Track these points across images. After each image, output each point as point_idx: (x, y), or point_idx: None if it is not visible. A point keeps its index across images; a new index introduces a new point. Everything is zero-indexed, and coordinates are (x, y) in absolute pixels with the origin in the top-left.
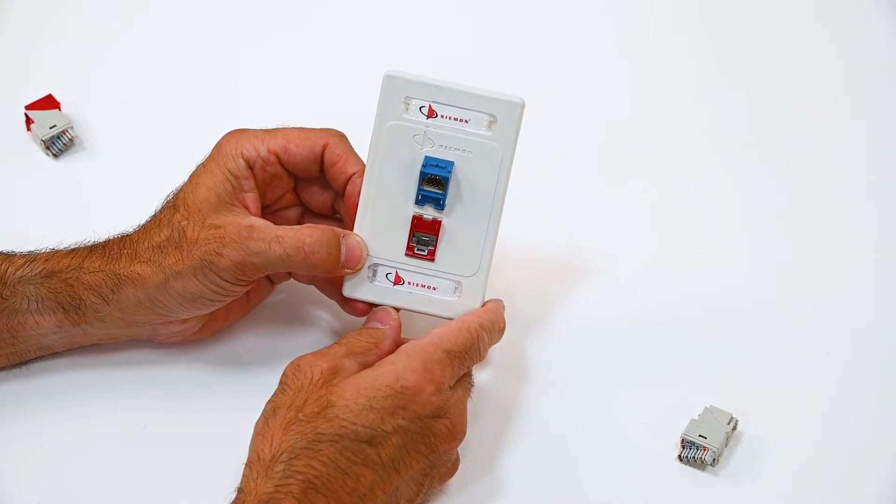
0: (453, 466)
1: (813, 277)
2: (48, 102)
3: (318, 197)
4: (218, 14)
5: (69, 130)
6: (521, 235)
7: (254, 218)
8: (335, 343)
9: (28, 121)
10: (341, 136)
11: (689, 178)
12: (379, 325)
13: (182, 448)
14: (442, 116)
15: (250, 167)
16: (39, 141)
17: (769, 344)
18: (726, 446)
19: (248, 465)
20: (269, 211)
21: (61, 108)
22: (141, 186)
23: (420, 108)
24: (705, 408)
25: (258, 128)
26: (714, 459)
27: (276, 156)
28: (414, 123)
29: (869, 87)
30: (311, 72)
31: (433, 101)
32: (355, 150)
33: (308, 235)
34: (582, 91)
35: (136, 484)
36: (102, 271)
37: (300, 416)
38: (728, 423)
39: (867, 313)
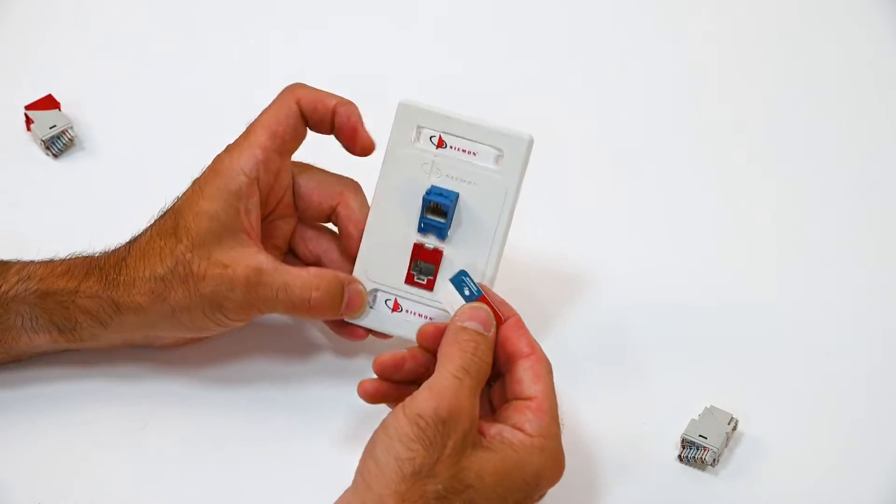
0: None
1: (813, 278)
2: (48, 102)
3: (313, 208)
4: (220, 14)
5: (69, 130)
6: (520, 237)
7: (261, 257)
8: (460, 369)
9: (28, 121)
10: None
11: (688, 181)
12: (480, 329)
13: (182, 447)
14: (451, 147)
15: (254, 178)
16: (39, 141)
17: (769, 344)
18: (726, 446)
19: None
20: (266, 221)
21: (61, 108)
22: (141, 186)
23: (430, 138)
24: (705, 408)
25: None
26: (714, 459)
27: (281, 138)
28: (423, 152)
29: (869, 88)
30: (316, 77)
31: (444, 132)
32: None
33: (315, 288)
34: (584, 109)
35: (136, 483)
36: (100, 297)
37: (441, 490)
38: (728, 423)
39: (867, 313)
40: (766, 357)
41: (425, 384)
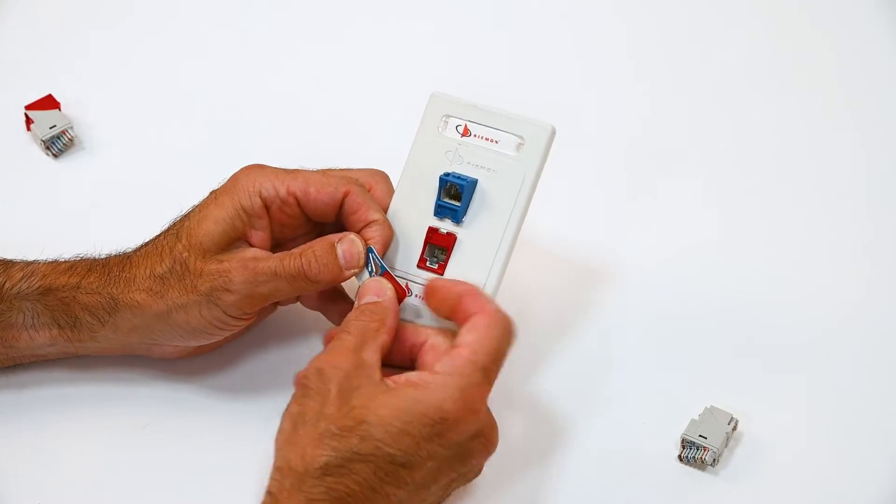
0: (480, 469)
1: (813, 278)
2: (48, 102)
3: (319, 211)
4: (221, 13)
5: (69, 130)
6: (525, 237)
7: (252, 249)
8: (342, 331)
9: (28, 121)
10: (362, 186)
11: (691, 181)
12: (375, 298)
13: (182, 447)
14: (475, 136)
15: (266, 207)
16: (39, 141)
17: (769, 344)
18: (726, 446)
19: (279, 470)
20: (283, 249)
21: (61, 108)
22: (141, 187)
23: (456, 127)
24: (705, 408)
25: (276, 166)
26: (714, 459)
27: (296, 198)
28: (448, 141)
29: (879, 90)
30: (315, 74)
31: (469, 121)
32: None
33: (300, 255)
34: (605, 106)
35: (136, 483)
36: (99, 293)
37: (333, 429)
38: (728, 423)
39: (867, 313)
40: (766, 357)
41: None
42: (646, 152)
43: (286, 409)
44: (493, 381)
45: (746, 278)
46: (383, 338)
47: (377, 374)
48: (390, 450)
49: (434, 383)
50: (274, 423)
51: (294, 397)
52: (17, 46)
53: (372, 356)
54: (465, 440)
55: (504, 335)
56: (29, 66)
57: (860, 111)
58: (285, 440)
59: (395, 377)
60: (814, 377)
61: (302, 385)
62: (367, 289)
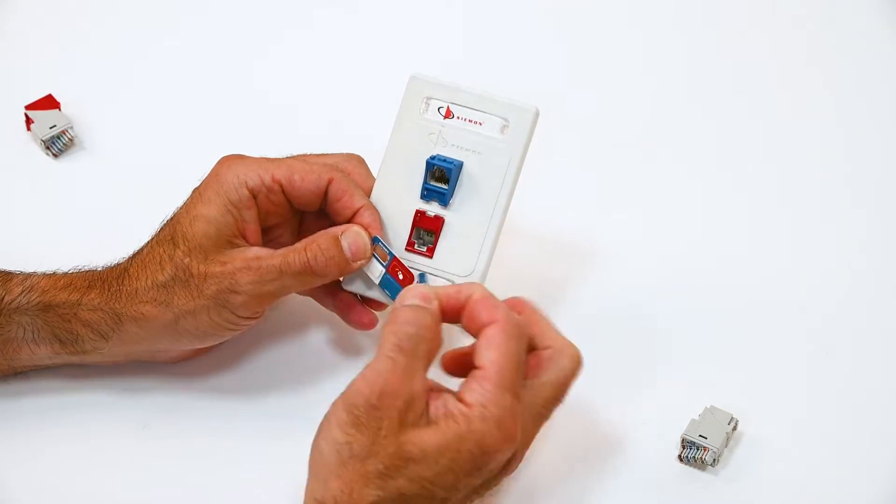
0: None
1: (813, 277)
2: (48, 102)
3: (315, 228)
4: (221, 13)
5: (69, 130)
6: (522, 236)
7: (257, 249)
8: (391, 349)
9: (28, 121)
10: (343, 172)
11: (690, 178)
12: (420, 303)
13: (182, 447)
14: (458, 118)
15: (254, 196)
16: (39, 141)
17: (769, 344)
18: (726, 446)
19: (321, 503)
20: (267, 238)
21: (61, 108)
22: (141, 186)
23: (438, 109)
24: (705, 408)
25: (257, 156)
26: (714, 459)
27: (280, 185)
28: (430, 123)
29: (867, 85)
30: (317, 74)
31: (451, 103)
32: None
33: (304, 250)
34: (590, 95)
35: (136, 484)
36: (101, 310)
37: (381, 468)
38: (728, 423)
39: (867, 313)
40: (766, 357)
41: (363, 370)
42: (631, 142)
43: (327, 433)
44: (519, 392)
45: (747, 278)
46: (432, 357)
47: (424, 403)
48: (433, 488)
49: (471, 417)
50: (272, 423)
51: (339, 423)
52: (17, 46)
53: (420, 385)
54: (498, 466)
55: (520, 346)
56: (29, 66)
57: (852, 102)
58: (330, 472)
59: (433, 400)
60: (814, 377)
61: (352, 414)
62: (413, 292)
